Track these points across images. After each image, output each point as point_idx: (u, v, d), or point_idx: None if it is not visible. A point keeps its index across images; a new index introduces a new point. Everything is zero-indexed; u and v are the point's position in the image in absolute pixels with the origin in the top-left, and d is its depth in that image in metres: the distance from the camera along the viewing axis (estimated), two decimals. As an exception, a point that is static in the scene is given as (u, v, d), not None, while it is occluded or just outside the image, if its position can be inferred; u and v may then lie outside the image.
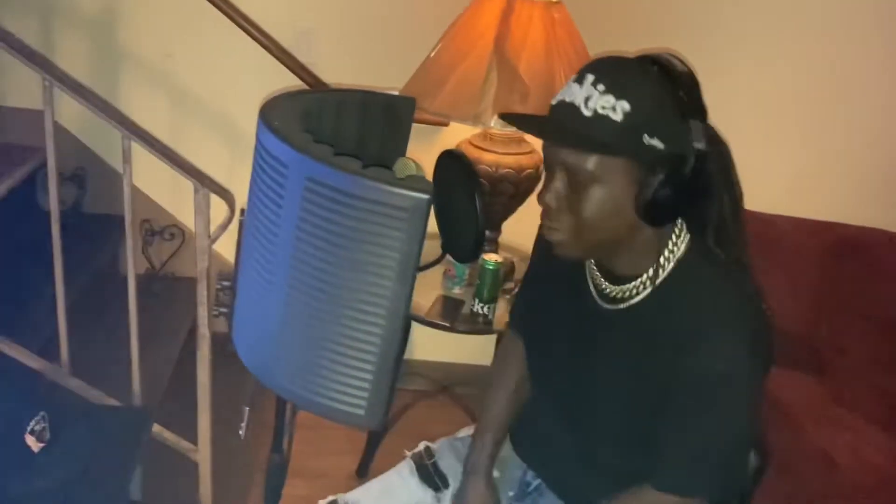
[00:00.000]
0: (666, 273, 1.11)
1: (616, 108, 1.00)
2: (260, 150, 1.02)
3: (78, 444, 1.60)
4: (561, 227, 1.09)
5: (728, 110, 2.43)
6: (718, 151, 1.08)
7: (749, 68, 2.47)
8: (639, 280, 1.13)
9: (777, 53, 2.46)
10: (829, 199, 2.59)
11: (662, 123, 1.02)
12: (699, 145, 1.02)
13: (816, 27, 2.43)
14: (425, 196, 0.93)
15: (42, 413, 1.56)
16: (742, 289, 1.10)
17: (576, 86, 1.03)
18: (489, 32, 1.95)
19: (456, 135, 2.29)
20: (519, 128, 1.12)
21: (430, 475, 1.44)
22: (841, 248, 2.36)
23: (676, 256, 1.12)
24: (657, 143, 1.01)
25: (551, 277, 1.32)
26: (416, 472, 1.45)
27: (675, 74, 1.04)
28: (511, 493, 1.44)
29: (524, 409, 1.43)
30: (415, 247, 0.95)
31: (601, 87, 1.00)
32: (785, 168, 2.59)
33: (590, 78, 1.02)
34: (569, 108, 1.03)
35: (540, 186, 1.12)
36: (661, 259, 1.11)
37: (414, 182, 0.95)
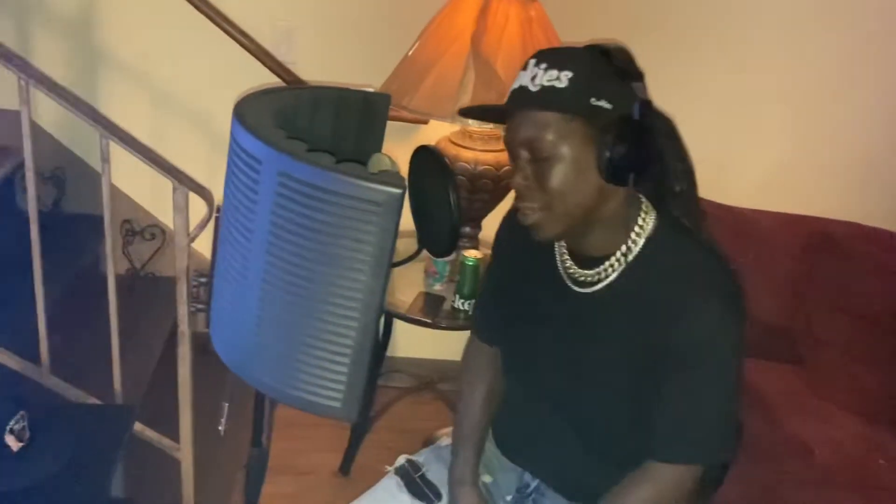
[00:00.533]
0: (638, 248, 1.16)
1: (560, 78, 1.07)
2: (234, 147, 1.03)
3: (58, 443, 1.60)
4: (534, 206, 1.13)
5: (705, 106, 2.49)
6: (662, 120, 1.14)
7: (726, 64, 2.49)
8: (612, 258, 1.17)
9: (754, 49, 2.48)
10: (806, 193, 2.62)
11: (605, 85, 1.09)
12: (644, 97, 1.10)
13: (794, 23, 2.46)
14: (398, 190, 0.94)
15: (21, 412, 1.56)
16: (713, 253, 1.16)
17: (522, 72, 1.12)
18: (466, 30, 1.96)
19: (435, 133, 2.30)
20: (478, 118, 1.18)
21: (421, 489, 1.42)
22: (818, 242, 2.38)
23: (646, 232, 1.16)
24: (605, 103, 1.08)
25: (519, 274, 1.34)
26: (406, 487, 1.42)
27: (607, 49, 1.11)
28: (509, 498, 1.44)
29: (508, 412, 1.43)
30: (388, 241, 0.96)
31: (543, 65, 1.09)
32: (761, 163, 2.62)
33: (532, 62, 1.11)
34: (519, 92, 1.11)
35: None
36: (633, 234, 1.16)
37: (387, 177, 0.96)
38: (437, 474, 1.44)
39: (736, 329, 1.12)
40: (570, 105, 1.08)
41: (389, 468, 1.46)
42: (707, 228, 1.20)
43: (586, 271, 1.20)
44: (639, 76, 1.12)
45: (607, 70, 1.10)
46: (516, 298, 1.34)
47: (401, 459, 1.47)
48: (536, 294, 1.30)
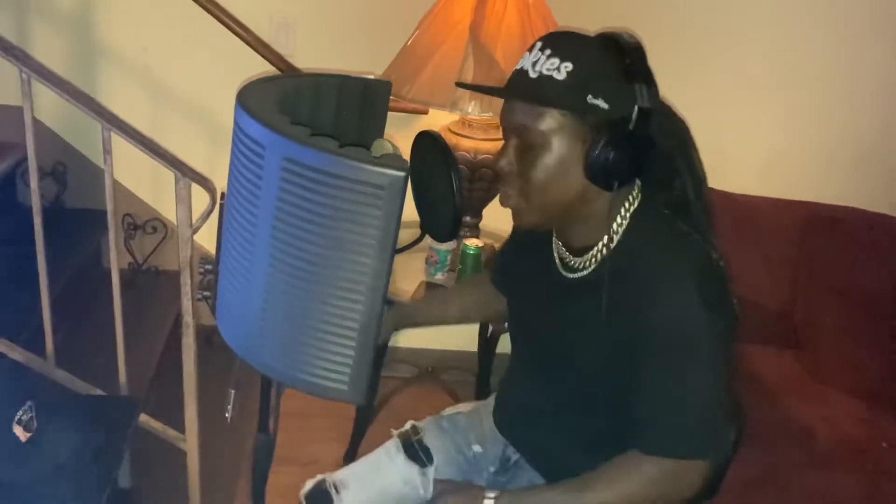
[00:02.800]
0: (618, 239, 1.16)
1: (560, 69, 1.06)
2: (238, 133, 1.04)
3: (65, 434, 1.61)
4: (513, 192, 1.15)
5: (703, 92, 2.49)
6: (671, 121, 1.14)
7: (724, 50, 2.50)
8: (595, 249, 1.17)
9: (751, 35, 2.48)
10: (805, 178, 2.62)
11: (606, 84, 1.07)
12: (643, 105, 1.07)
13: (791, 9, 2.46)
14: (401, 173, 0.94)
15: (29, 403, 1.57)
16: (687, 244, 1.13)
17: (526, 54, 1.11)
18: (465, 19, 1.97)
19: (434, 122, 2.30)
20: (474, 90, 1.18)
21: (416, 451, 1.47)
22: (815, 226, 2.39)
23: (626, 223, 1.16)
24: (601, 102, 1.06)
25: (525, 249, 1.36)
26: (403, 449, 1.48)
27: (621, 42, 1.09)
28: (492, 469, 1.47)
29: (506, 384, 1.46)
30: (392, 223, 0.97)
31: (547, 51, 1.08)
32: (760, 149, 2.63)
33: (538, 45, 1.10)
34: (518, 74, 1.11)
35: None
36: (615, 225, 1.16)
37: (390, 160, 0.97)
38: (433, 440, 1.48)
39: (710, 317, 1.07)
40: (564, 100, 1.07)
41: (395, 431, 1.53)
42: (712, 235, 1.17)
43: (575, 258, 1.22)
44: (647, 78, 1.09)
45: (614, 66, 1.08)
46: (519, 274, 1.37)
47: (407, 425, 1.53)
48: (533, 275, 1.32)
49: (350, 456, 2.43)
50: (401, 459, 1.47)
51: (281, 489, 2.29)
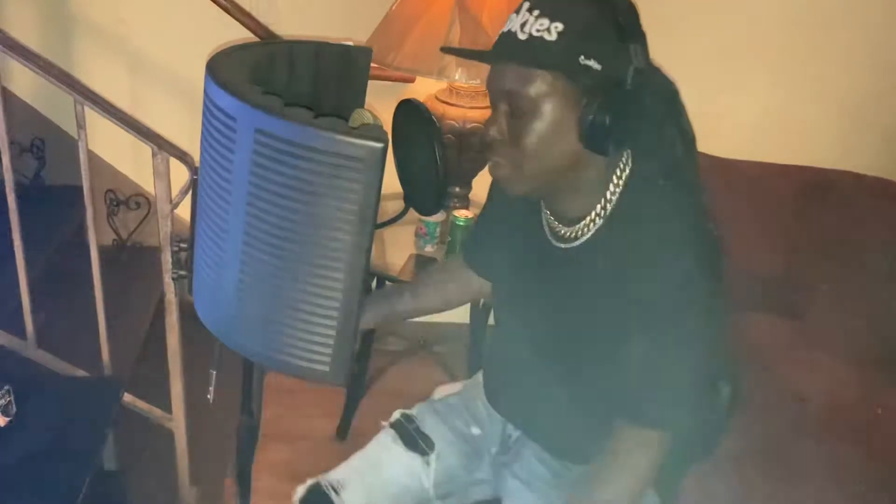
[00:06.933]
0: (612, 208, 1.12)
1: (550, 30, 1.01)
2: (208, 105, 1.00)
3: (46, 417, 1.58)
4: (504, 161, 1.09)
5: (693, 55, 2.44)
6: (661, 81, 1.09)
7: (714, 11, 2.44)
8: (588, 218, 1.13)
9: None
10: (798, 142, 2.59)
11: (598, 44, 1.02)
12: (638, 65, 1.02)
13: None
14: (380, 144, 0.90)
15: (7, 387, 1.53)
16: (684, 212, 1.10)
17: (513, 15, 1.05)
18: (449, -17, 1.91)
19: (422, 90, 2.25)
20: (459, 56, 1.13)
21: (415, 440, 1.42)
22: (810, 191, 2.36)
23: (622, 190, 1.12)
24: (594, 63, 1.01)
25: (508, 218, 1.31)
26: (400, 439, 1.42)
27: (612, 1, 1.04)
28: (494, 450, 1.44)
29: (496, 362, 1.43)
30: (371, 197, 0.93)
31: (536, 12, 1.02)
32: (751, 113, 2.59)
33: (525, 5, 1.04)
34: (506, 37, 1.05)
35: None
36: (608, 194, 1.12)
37: (367, 130, 0.92)
38: (431, 427, 1.44)
39: (706, 286, 1.06)
40: (557, 62, 1.02)
41: (385, 423, 1.47)
42: (703, 199, 1.14)
43: (566, 228, 1.17)
44: (640, 37, 1.04)
45: (606, 25, 1.02)
46: (505, 244, 1.32)
47: (396, 414, 1.47)
48: (520, 245, 1.27)
49: (343, 432, 2.41)
50: (400, 450, 1.41)
51: (272, 466, 2.28)
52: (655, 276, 1.05)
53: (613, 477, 1.14)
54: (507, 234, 1.31)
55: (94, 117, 1.69)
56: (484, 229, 1.43)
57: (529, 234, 1.24)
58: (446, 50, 1.19)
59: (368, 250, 0.96)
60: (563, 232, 1.18)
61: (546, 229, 1.22)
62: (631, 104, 1.03)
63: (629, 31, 1.03)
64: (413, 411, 1.48)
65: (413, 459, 1.40)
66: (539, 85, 1.03)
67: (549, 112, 1.04)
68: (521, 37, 1.03)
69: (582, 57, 1.01)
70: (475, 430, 1.45)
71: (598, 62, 1.02)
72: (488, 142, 1.10)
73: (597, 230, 1.13)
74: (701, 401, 1.14)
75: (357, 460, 1.43)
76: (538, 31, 1.01)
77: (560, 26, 1.00)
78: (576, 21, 1.01)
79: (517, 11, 1.05)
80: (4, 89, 2.29)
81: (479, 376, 1.50)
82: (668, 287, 1.05)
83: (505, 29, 1.07)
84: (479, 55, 1.11)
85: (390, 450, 1.42)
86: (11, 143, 1.67)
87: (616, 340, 1.11)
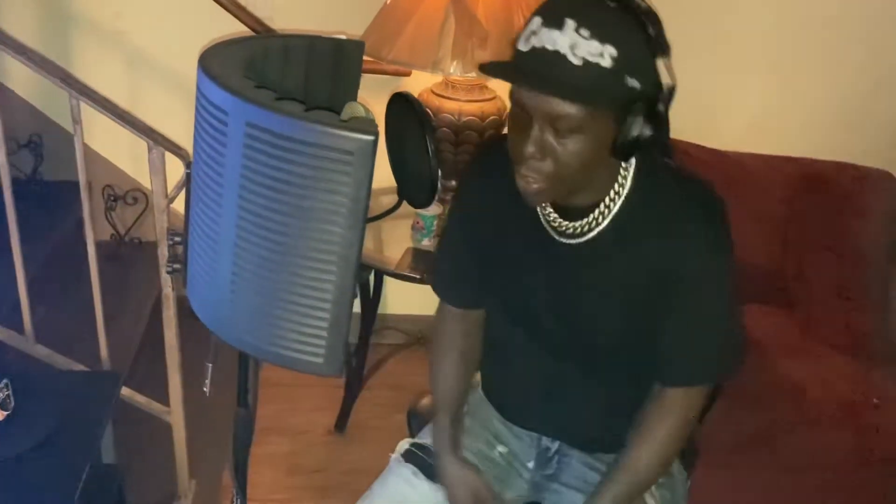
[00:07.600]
0: (624, 195, 1.14)
1: (604, 55, 0.97)
2: (200, 99, 1.00)
3: (44, 411, 1.59)
4: (539, 176, 1.07)
5: (692, 47, 2.40)
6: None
7: (713, 5, 2.44)
8: (597, 210, 1.15)
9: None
10: (794, 134, 2.59)
11: (640, 64, 1.01)
12: (670, 81, 1.02)
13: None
14: (370, 137, 0.90)
15: (5, 381, 1.54)
16: (694, 181, 1.17)
17: (556, 32, 0.98)
18: (444, -24, 1.91)
19: (417, 84, 2.26)
20: (505, 79, 1.07)
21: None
22: (806, 183, 2.36)
23: (630, 179, 1.14)
24: (635, 83, 1.01)
25: (497, 231, 1.28)
26: (422, 472, 1.35)
27: (640, 12, 1.01)
28: (531, 465, 1.41)
29: (513, 377, 1.40)
30: (363, 190, 0.93)
31: (585, 32, 0.97)
32: (749, 105, 2.58)
33: (570, 24, 0.97)
34: (554, 57, 0.98)
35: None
36: (616, 185, 1.14)
37: (358, 123, 0.93)
38: None
39: (730, 249, 1.15)
40: (615, 93, 0.99)
41: (393, 454, 1.40)
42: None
43: (573, 223, 1.17)
44: (666, 49, 1.02)
45: (642, 43, 1.00)
46: (499, 255, 1.29)
47: (404, 444, 1.41)
48: (520, 248, 1.26)
49: (341, 425, 2.42)
50: (424, 485, 1.34)
51: (270, 459, 2.29)
52: (689, 242, 1.12)
53: (666, 438, 1.24)
54: (500, 245, 1.28)
55: (91, 113, 1.69)
56: (460, 263, 1.37)
57: (527, 236, 1.23)
58: (485, 71, 1.07)
59: (360, 242, 0.96)
60: (567, 228, 1.18)
61: (547, 227, 1.21)
62: (662, 118, 1.03)
63: (659, 44, 1.01)
64: (425, 440, 1.41)
65: (440, 492, 1.33)
66: (587, 107, 1.00)
67: (593, 131, 1.02)
68: (575, 61, 0.98)
69: (628, 77, 1.00)
70: (501, 449, 1.42)
71: (638, 81, 1.01)
72: (524, 156, 1.06)
73: (610, 221, 1.15)
74: (734, 349, 1.24)
75: (379, 499, 1.34)
76: (591, 55, 0.97)
77: (613, 51, 0.97)
78: (625, 44, 0.98)
79: (559, 27, 0.98)
80: (1, 85, 2.31)
81: (479, 392, 1.48)
82: (702, 248, 1.12)
83: (549, 46, 0.99)
84: (528, 81, 1.03)
85: (413, 485, 1.34)
86: (9, 139, 1.68)
87: (651, 318, 1.17)
